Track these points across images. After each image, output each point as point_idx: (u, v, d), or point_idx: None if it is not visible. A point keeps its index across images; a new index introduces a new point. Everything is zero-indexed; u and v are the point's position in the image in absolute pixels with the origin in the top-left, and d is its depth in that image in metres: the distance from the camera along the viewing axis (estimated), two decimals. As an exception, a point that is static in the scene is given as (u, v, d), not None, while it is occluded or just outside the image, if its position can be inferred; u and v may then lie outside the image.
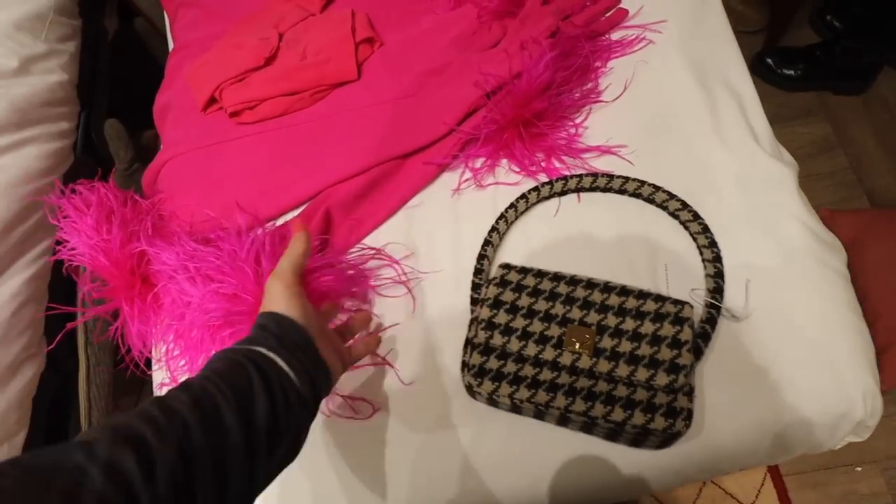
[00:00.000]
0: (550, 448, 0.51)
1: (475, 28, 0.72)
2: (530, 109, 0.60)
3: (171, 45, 0.91)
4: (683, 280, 0.56)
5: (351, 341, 0.53)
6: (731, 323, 0.53)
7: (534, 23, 0.68)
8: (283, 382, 0.38)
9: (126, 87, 1.13)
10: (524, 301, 0.52)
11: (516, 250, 0.60)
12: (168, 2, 0.90)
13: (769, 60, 1.31)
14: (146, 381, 1.21)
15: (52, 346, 0.78)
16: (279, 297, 0.43)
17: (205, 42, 0.79)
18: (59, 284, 0.86)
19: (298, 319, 0.42)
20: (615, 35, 0.69)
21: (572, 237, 0.59)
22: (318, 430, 0.55)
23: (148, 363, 0.65)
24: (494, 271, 0.54)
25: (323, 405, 0.54)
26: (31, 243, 0.82)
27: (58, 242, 0.85)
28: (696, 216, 0.56)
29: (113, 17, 1.15)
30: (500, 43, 0.69)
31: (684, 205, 0.57)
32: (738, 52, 0.68)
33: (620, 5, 0.71)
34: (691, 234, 0.57)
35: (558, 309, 0.51)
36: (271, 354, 0.39)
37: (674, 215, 0.58)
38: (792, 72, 1.29)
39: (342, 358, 0.47)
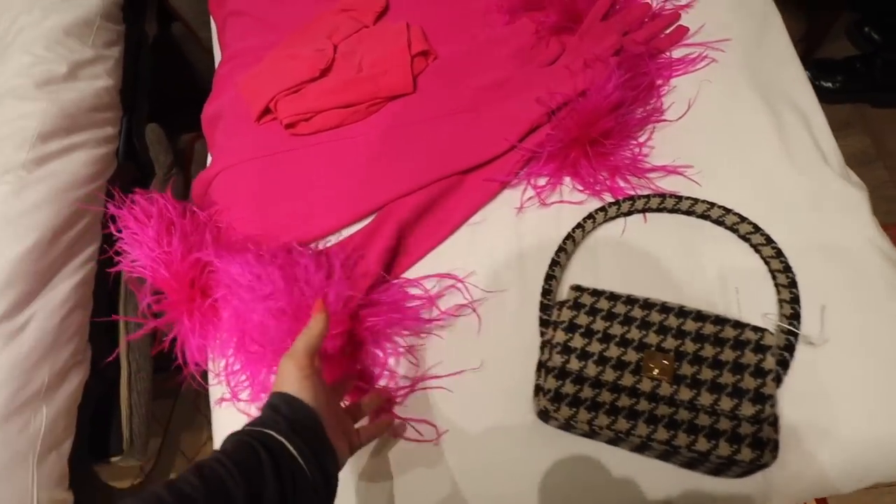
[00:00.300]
0: (621, 474, 0.51)
1: (533, 43, 0.72)
2: (597, 128, 0.60)
3: (217, 54, 0.91)
4: (754, 304, 0.55)
5: (361, 422, 0.53)
6: (804, 347, 0.52)
7: (595, 40, 0.68)
8: (292, 468, 0.39)
9: (163, 92, 1.14)
10: (599, 325, 0.51)
11: (582, 271, 0.59)
12: (217, 10, 0.90)
13: (807, 72, 1.30)
14: (181, 386, 1.21)
15: (112, 357, 0.80)
16: (292, 379, 0.43)
17: (257, 52, 0.80)
18: (102, 291, 0.86)
19: (310, 402, 0.43)
20: (676, 53, 0.69)
21: (639, 258, 0.59)
22: (384, 453, 0.55)
23: (204, 376, 0.65)
24: (567, 293, 0.54)
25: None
26: (77, 249, 0.82)
27: (104, 250, 0.86)
28: (770, 240, 0.56)
29: (153, 22, 1.16)
30: (560, 59, 0.69)
31: (756, 228, 0.57)
32: (803, 71, 0.68)
33: (680, 22, 0.71)
34: (763, 258, 0.57)
35: (634, 333, 0.51)
36: (282, 439, 0.40)
37: (745, 238, 0.58)
38: (830, 84, 1.29)
39: (350, 441, 0.48)
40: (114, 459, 0.86)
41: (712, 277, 0.57)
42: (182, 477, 0.35)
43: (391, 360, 0.57)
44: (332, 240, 0.64)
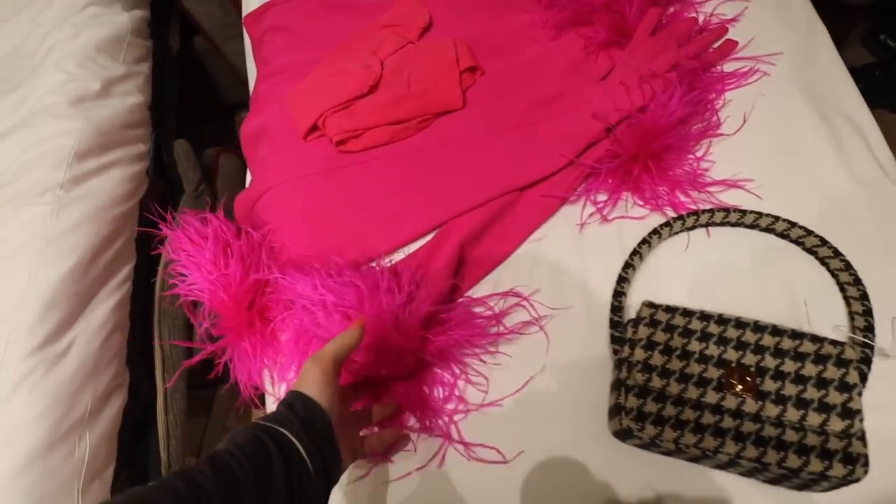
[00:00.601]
0: (704, 491, 0.51)
1: (582, 58, 0.73)
2: (659, 144, 0.61)
3: (251, 69, 0.91)
4: (824, 317, 0.56)
5: (365, 431, 0.53)
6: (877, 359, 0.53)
7: (646, 55, 0.69)
8: (300, 469, 0.40)
9: (185, 106, 1.14)
10: (677, 342, 0.51)
11: (647, 287, 0.60)
12: (252, 26, 0.90)
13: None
14: (213, 403, 1.20)
15: (170, 383, 0.80)
16: (313, 381, 0.44)
17: (300, 68, 0.79)
18: (136, 311, 0.85)
19: (326, 407, 0.43)
20: (727, 66, 0.70)
21: (705, 273, 0.59)
22: (456, 476, 0.54)
23: (262, 399, 0.64)
24: (642, 311, 0.54)
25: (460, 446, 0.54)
26: (115, 269, 0.81)
27: (137, 269, 0.85)
28: (837, 252, 0.56)
29: (176, 36, 1.15)
30: (612, 74, 0.70)
31: (823, 241, 0.57)
32: (852, 82, 0.69)
33: (728, 36, 0.72)
34: (831, 271, 0.57)
35: (713, 350, 0.51)
36: (293, 438, 0.40)
37: (810, 251, 0.58)
38: (849, 92, 1.31)
39: (354, 449, 0.49)
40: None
41: (778, 291, 0.58)
42: (195, 467, 0.36)
43: (459, 381, 0.57)
44: (392, 257, 0.64)
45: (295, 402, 0.43)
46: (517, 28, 0.79)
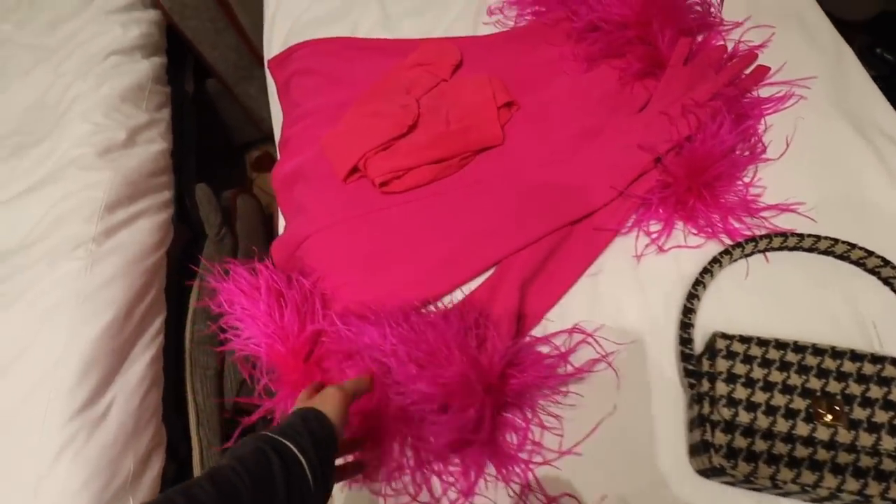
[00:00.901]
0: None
1: (617, 89, 0.74)
2: (711, 172, 0.61)
3: (275, 112, 0.91)
4: (893, 337, 0.56)
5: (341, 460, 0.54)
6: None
7: (682, 84, 0.70)
8: (301, 484, 0.40)
9: (200, 148, 1.13)
10: (758, 373, 0.51)
11: (712, 317, 0.59)
12: (278, 70, 0.90)
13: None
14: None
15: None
16: (332, 405, 0.45)
17: (332, 110, 0.80)
18: (169, 365, 0.83)
19: (338, 430, 0.45)
20: (762, 92, 0.71)
21: (768, 300, 0.59)
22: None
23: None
24: (717, 342, 0.53)
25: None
26: (148, 322, 0.80)
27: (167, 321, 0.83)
28: (901, 273, 0.57)
29: (190, 80, 1.16)
30: (651, 105, 0.71)
31: (885, 261, 0.58)
32: (884, 99, 0.71)
33: (759, 62, 0.74)
34: (895, 290, 0.58)
35: (795, 379, 0.50)
36: (299, 455, 0.40)
37: (873, 272, 0.59)
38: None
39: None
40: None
41: (844, 313, 0.58)
42: (195, 481, 0.36)
43: (533, 426, 0.56)
44: (451, 298, 0.63)
45: (310, 417, 0.44)
46: (547, 62, 0.80)
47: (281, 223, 0.79)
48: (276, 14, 0.97)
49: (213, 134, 1.28)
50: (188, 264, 0.86)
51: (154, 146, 0.92)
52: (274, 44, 0.95)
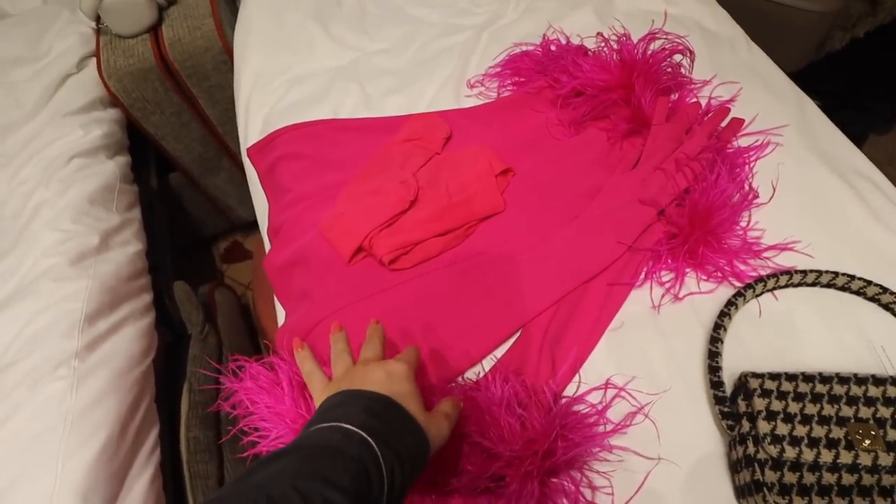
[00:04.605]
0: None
1: (607, 150, 0.86)
2: (714, 220, 0.72)
3: (257, 201, 0.98)
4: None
5: None
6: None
7: (667, 140, 0.82)
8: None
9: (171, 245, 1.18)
10: (794, 407, 0.59)
11: (735, 357, 0.67)
12: (258, 157, 0.98)
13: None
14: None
15: None
16: (414, 396, 0.47)
17: (326, 192, 0.87)
18: (167, 482, 0.83)
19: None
20: (741, 142, 0.85)
21: (783, 335, 0.68)
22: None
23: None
24: (749, 382, 0.61)
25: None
26: (142, 438, 0.81)
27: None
28: (899, 297, 0.68)
29: (153, 176, 1.22)
30: (643, 162, 0.82)
31: (884, 288, 0.68)
32: (850, 141, 0.85)
33: (732, 115, 0.88)
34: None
35: (828, 409, 0.58)
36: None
37: (873, 300, 0.69)
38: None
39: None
40: None
41: (854, 340, 0.67)
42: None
43: (584, 490, 0.61)
44: (477, 371, 0.69)
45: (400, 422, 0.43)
46: (534, 128, 0.92)
47: (271, 311, 0.84)
48: (250, 102, 1.07)
49: (179, 228, 1.33)
50: (172, 367, 0.89)
51: (129, 248, 0.96)
52: (250, 132, 1.03)
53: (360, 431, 0.40)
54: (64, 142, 1.04)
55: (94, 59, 1.17)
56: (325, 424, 0.41)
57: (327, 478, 0.36)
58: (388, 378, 0.47)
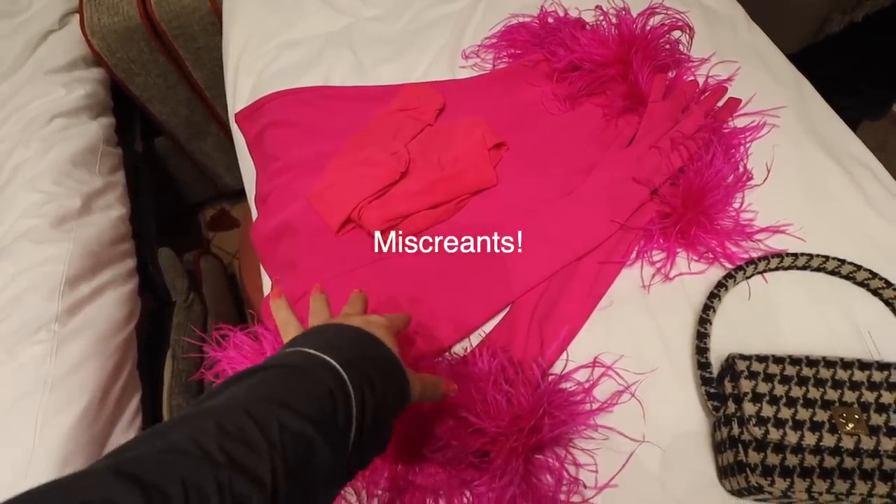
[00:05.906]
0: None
1: (602, 126, 0.84)
2: (707, 200, 0.70)
3: (245, 167, 0.95)
4: (888, 345, 0.65)
5: None
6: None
7: (663, 118, 0.80)
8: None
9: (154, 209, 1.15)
10: (780, 390, 0.58)
11: (723, 338, 0.67)
12: (246, 124, 0.95)
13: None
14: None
15: None
16: (388, 337, 0.45)
17: (315, 161, 0.85)
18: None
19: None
20: (737, 122, 0.83)
21: (772, 318, 0.68)
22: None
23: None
24: (736, 364, 0.61)
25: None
26: (123, 405, 0.80)
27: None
28: (889, 283, 0.67)
29: (139, 140, 1.18)
30: (638, 139, 0.80)
31: (873, 274, 0.68)
32: (846, 126, 0.83)
33: (729, 95, 0.86)
34: (885, 300, 0.67)
35: (814, 393, 0.58)
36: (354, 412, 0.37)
37: (862, 285, 0.69)
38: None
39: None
40: None
41: (841, 325, 0.67)
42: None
43: (569, 467, 0.60)
44: (465, 346, 0.68)
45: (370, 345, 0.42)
46: (529, 103, 0.89)
47: (257, 280, 0.82)
48: (239, 67, 1.03)
49: (165, 194, 1.29)
50: (156, 334, 0.87)
51: (112, 212, 0.93)
52: (239, 97, 1.00)
53: (321, 354, 0.38)
54: (45, 101, 1.00)
55: (76, 16, 1.12)
56: (287, 350, 0.39)
57: (284, 401, 0.34)
58: (364, 322, 0.44)
